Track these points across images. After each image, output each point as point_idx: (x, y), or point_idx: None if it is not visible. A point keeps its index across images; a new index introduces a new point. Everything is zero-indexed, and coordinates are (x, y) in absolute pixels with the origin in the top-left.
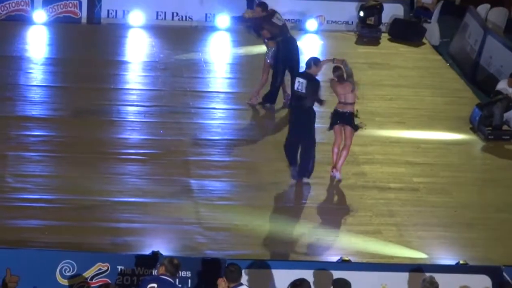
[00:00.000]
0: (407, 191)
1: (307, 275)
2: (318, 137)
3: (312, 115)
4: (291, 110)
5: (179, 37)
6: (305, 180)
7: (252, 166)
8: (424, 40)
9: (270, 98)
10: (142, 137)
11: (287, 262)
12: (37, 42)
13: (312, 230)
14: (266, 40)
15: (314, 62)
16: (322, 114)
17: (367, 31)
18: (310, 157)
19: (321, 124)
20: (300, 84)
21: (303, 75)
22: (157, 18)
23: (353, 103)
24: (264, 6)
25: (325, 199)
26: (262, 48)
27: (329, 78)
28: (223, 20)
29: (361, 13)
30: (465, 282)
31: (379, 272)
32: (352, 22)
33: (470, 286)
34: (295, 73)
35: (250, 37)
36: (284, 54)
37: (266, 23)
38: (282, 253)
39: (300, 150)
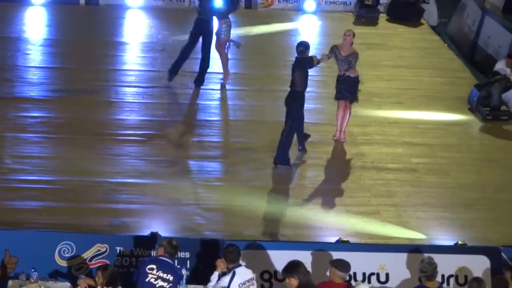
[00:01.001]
0: (406, 171)
1: (306, 256)
2: (315, 117)
3: (298, 102)
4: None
5: (177, 18)
6: (280, 167)
7: (250, 147)
8: (422, 21)
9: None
10: (140, 118)
11: (285, 243)
12: (35, 24)
13: (310, 211)
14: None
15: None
16: (320, 95)
17: (365, 12)
18: (285, 144)
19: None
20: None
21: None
22: None
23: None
24: None
25: (323, 180)
26: (261, 29)
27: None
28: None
29: None
30: (464, 263)
31: (378, 253)
32: (350, 2)
33: (468, 266)
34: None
35: (249, 17)
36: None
37: None
38: (281, 234)
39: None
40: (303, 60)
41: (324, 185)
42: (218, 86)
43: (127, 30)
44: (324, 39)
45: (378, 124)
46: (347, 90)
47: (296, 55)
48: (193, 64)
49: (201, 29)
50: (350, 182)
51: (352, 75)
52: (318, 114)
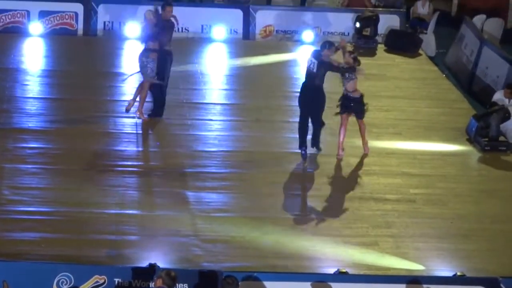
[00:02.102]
0: (404, 202)
1: (305, 287)
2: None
3: (321, 94)
4: (302, 89)
5: (175, 48)
6: (315, 151)
7: (249, 178)
8: (420, 51)
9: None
10: (138, 149)
11: (284, 274)
12: (33, 54)
13: (309, 242)
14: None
15: (328, 45)
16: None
17: (363, 42)
18: (318, 133)
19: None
20: (312, 63)
21: (316, 55)
22: None
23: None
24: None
25: (322, 211)
26: (259, 59)
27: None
28: (219, 31)
29: (357, 24)
30: None
31: (377, 284)
32: (348, 33)
33: None
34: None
35: (247, 48)
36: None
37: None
38: (279, 265)
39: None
40: (325, 66)
41: (322, 216)
42: (216, 117)
43: (125, 60)
44: None
45: (377, 155)
46: (354, 108)
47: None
48: (191, 94)
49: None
50: (349, 212)
51: (356, 96)
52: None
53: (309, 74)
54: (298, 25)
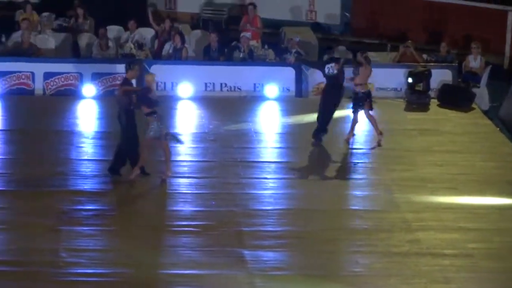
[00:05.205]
0: (462, 257)
1: None
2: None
3: (342, 90)
4: (324, 89)
5: (228, 107)
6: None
7: (305, 235)
8: (473, 105)
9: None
10: (194, 208)
11: None
12: (87, 116)
13: None
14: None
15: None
16: (372, 182)
17: (416, 97)
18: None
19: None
20: (329, 68)
21: (330, 61)
22: (205, 89)
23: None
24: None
25: (379, 268)
26: (312, 117)
27: None
28: (271, 89)
29: (410, 80)
30: None
31: None
32: (401, 88)
33: None
34: None
35: (300, 105)
36: None
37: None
38: None
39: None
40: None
41: (379, 273)
42: (270, 175)
43: (178, 120)
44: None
45: (433, 210)
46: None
47: None
48: (245, 153)
49: None
50: (406, 268)
51: (363, 90)
52: (371, 201)
53: (330, 77)
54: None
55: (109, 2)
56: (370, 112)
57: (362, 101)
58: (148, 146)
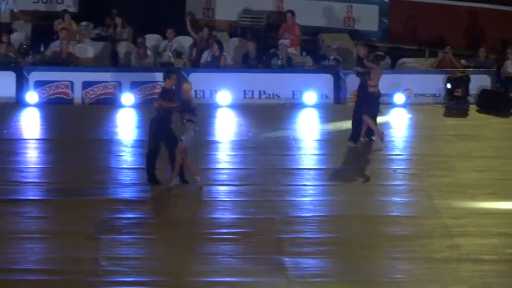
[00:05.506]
0: (502, 262)
1: None
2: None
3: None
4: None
5: (266, 115)
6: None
7: (345, 242)
8: None
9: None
10: (234, 216)
11: None
12: (126, 125)
13: None
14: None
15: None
16: (412, 188)
17: (454, 103)
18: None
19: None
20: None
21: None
22: (244, 97)
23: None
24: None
25: (419, 273)
26: (350, 124)
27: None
28: (310, 96)
29: (448, 85)
30: None
31: None
32: (440, 94)
33: None
34: None
35: (338, 112)
36: None
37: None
38: None
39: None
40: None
41: (419, 279)
42: (310, 182)
43: (218, 128)
44: (414, 131)
45: (473, 216)
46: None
47: None
48: (285, 160)
49: None
50: (446, 274)
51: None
52: (411, 207)
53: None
54: (389, 88)
55: (147, 10)
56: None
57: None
58: (185, 153)
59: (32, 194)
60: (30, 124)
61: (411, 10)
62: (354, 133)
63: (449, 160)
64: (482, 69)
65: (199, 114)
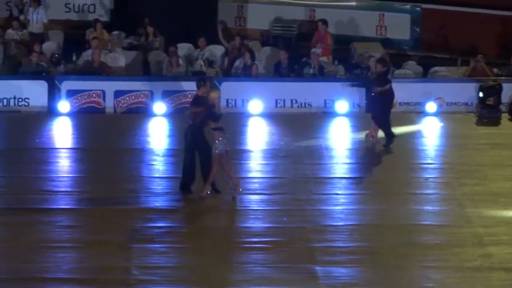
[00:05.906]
0: None
1: None
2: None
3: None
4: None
5: (298, 124)
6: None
7: (377, 251)
8: None
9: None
10: (265, 225)
11: None
12: (157, 134)
13: None
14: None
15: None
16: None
17: (487, 112)
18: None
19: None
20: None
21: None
22: (276, 106)
23: None
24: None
25: (452, 282)
26: (382, 132)
27: None
28: (342, 105)
29: (480, 94)
30: None
31: None
32: (472, 103)
33: None
34: None
35: (370, 121)
36: None
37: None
38: None
39: None
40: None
41: (452, 287)
42: (341, 191)
43: (250, 137)
44: (446, 140)
45: (505, 224)
46: None
47: None
48: (317, 169)
49: None
50: (479, 283)
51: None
52: (443, 216)
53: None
54: (421, 96)
55: (179, 19)
56: None
57: None
58: (217, 161)
59: (64, 203)
60: (62, 133)
61: (443, 18)
62: (388, 136)
63: (481, 169)
64: None
65: (224, 122)
